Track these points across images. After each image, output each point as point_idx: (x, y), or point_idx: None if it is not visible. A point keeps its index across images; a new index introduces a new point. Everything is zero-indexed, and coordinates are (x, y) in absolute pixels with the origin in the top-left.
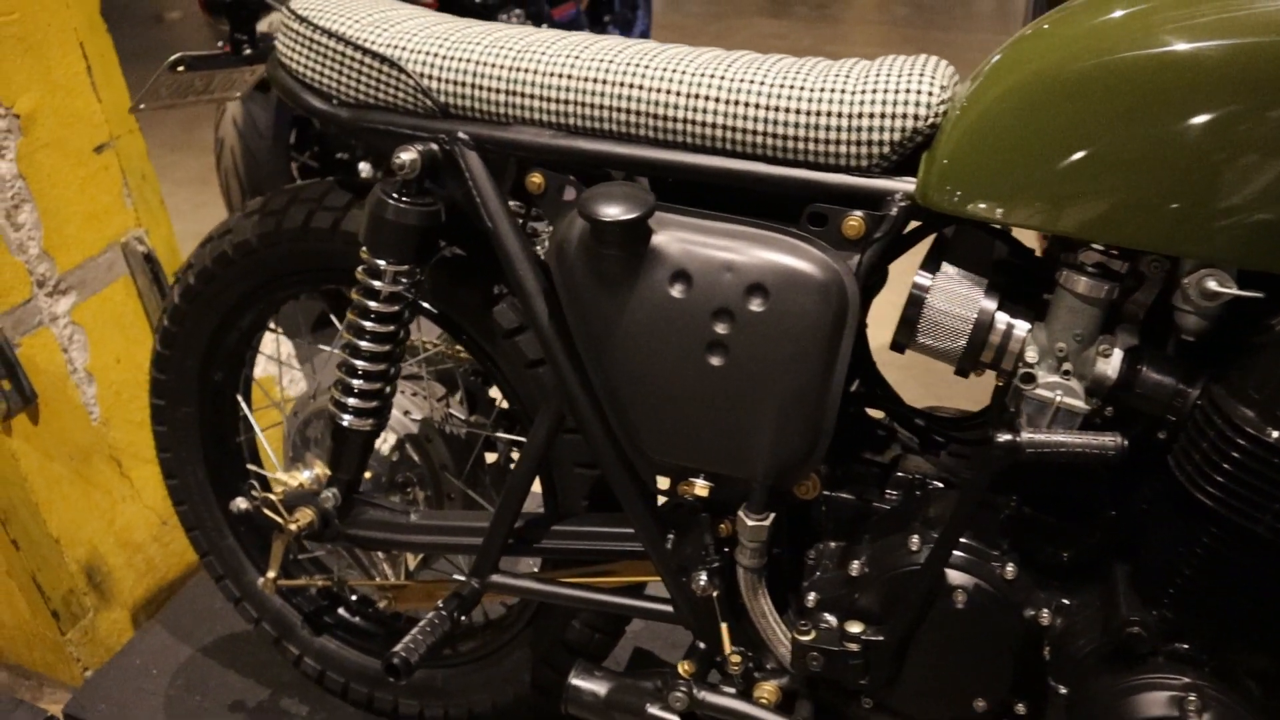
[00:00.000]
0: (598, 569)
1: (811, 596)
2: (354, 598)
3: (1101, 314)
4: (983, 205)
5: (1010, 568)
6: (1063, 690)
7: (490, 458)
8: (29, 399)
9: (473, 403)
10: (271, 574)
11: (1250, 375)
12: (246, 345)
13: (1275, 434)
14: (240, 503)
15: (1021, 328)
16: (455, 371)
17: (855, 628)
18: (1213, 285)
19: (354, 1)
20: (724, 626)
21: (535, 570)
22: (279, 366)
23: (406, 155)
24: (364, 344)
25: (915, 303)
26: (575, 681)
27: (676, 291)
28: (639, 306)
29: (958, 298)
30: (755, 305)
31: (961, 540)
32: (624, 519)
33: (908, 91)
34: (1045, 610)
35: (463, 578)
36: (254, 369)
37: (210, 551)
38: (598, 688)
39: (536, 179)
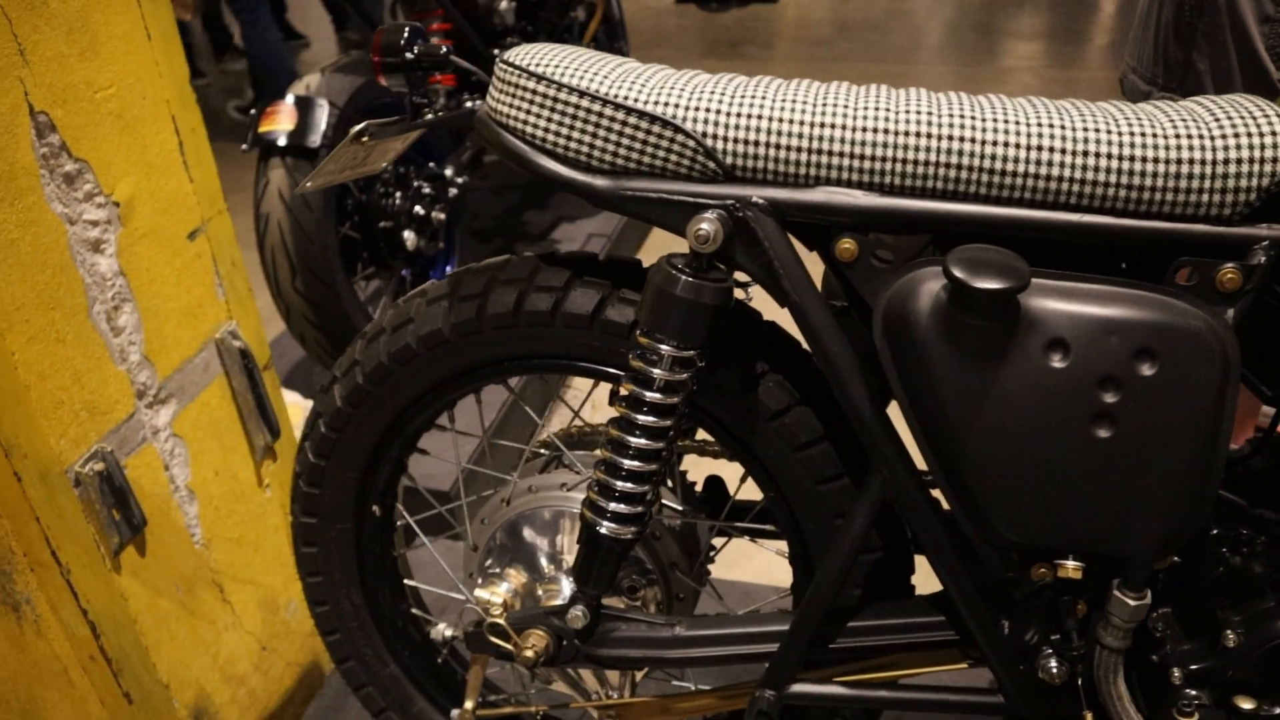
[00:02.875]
0: (879, 663)
1: (1176, 673)
2: None
3: None
4: None
5: None
6: None
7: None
8: (138, 527)
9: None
10: (469, 704)
11: None
12: (412, 447)
13: None
14: (445, 630)
15: None
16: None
17: (1247, 704)
18: None
19: (572, 52)
20: (1089, 715)
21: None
22: (459, 469)
23: (707, 225)
24: (634, 441)
25: None
26: None
27: (1056, 361)
28: (1010, 379)
29: None
30: (1145, 370)
31: None
32: (919, 606)
33: (1272, 134)
34: None
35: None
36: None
37: (369, 683)
38: None
39: (848, 245)
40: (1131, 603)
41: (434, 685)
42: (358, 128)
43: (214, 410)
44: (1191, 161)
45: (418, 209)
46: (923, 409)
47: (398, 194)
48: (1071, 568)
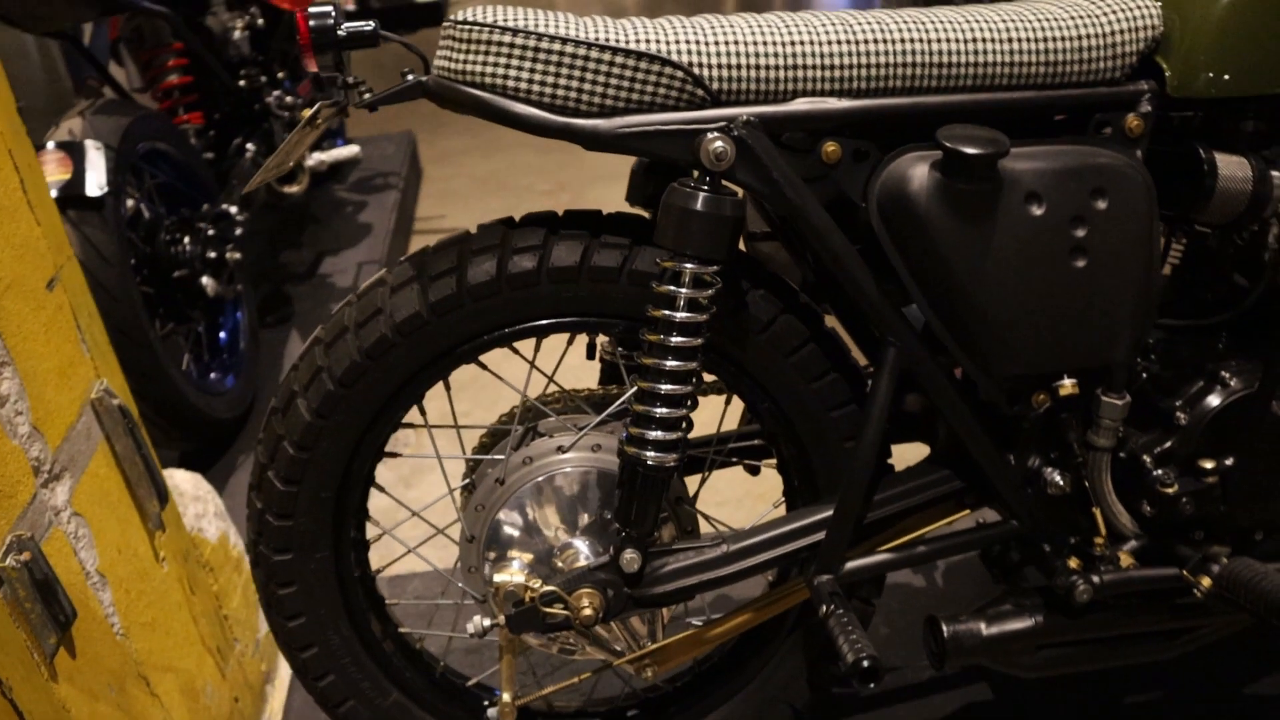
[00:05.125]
0: (903, 528)
1: (1147, 460)
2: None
3: None
4: (1232, 83)
5: None
6: None
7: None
8: (68, 623)
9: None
10: (508, 696)
11: None
12: (381, 454)
13: None
14: (483, 621)
15: (1278, 174)
16: None
17: (1208, 464)
18: None
19: (523, 9)
20: (1098, 511)
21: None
22: (439, 459)
23: (721, 144)
24: (669, 364)
25: (1210, 178)
26: (951, 630)
27: (1034, 209)
28: (1000, 231)
29: (1236, 164)
30: (1101, 205)
31: None
32: (926, 468)
33: (1142, 6)
34: None
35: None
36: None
37: (374, 719)
38: (974, 628)
39: (832, 148)
40: (1118, 403)
41: (440, 701)
42: (310, 110)
43: (104, 481)
44: (1090, 36)
45: (210, 253)
46: (925, 275)
47: (185, 239)
48: (1069, 385)
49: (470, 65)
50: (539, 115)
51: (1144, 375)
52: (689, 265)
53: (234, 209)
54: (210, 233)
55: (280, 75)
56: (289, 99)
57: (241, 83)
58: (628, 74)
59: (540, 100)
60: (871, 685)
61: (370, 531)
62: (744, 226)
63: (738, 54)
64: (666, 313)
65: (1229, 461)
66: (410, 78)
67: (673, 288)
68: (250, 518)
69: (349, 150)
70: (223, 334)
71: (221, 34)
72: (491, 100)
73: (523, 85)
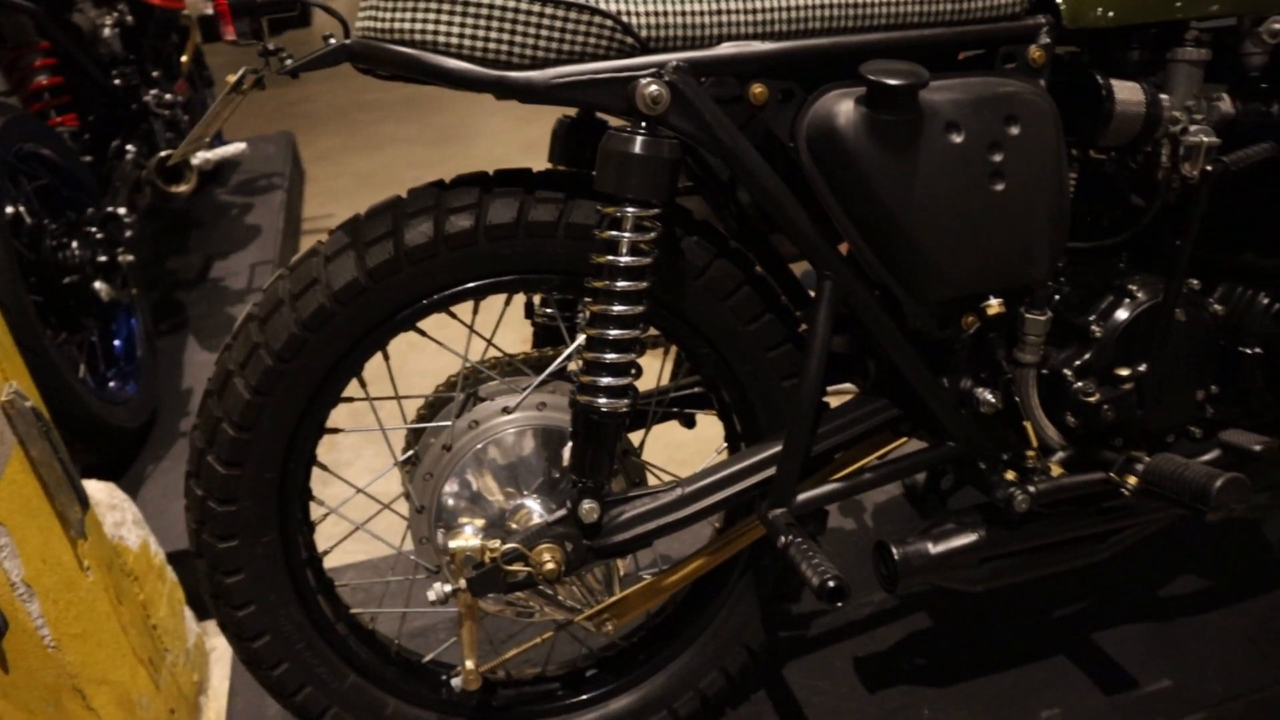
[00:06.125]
0: (846, 459)
1: (1068, 373)
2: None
3: (1203, 75)
4: (1118, 13)
5: (1196, 281)
6: (1254, 350)
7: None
8: (1, 632)
9: None
10: (471, 663)
11: None
12: (322, 430)
13: None
14: (442, 588)
15: (1168, 98)
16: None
17: (1124, 371)
18: (1277, 25)
19: None
20: (1028, 425)
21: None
22: (383, 432)
23: (655, 87)
24: (615, 309)
25: (1108, 102)
26: (901, 552)
27: (955, 138)
28: (924, 161)
29: (1129, 89)
30: (1014, 130)
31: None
32: (866, 399)
33: None
34: (1222, 305)
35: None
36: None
37: (332, 704)
38: (922, 548)
39: (759, 89)
40: (1040, 319)
41: (398, 679)
42: (236, 75)
43: (21, 487)
44: None
45: (101, 256)
46: (855, 207)
47: (73, 244)
48: (996, 304)
49: (398, 23)
50: (472, 69)
51: (1058, 297)
52: (631, 210)
53: (122, 210)
54: (99, 236)
55: (155, 74)
56: (169, 97)
57: (117, 81)
58: (558, 24)
59: (472, 54)
60: (839, 604)
61: (314, 512)
62: (680, 170)
63: (664, 1)
64: (611, 258)
65: (1142, 368)
66: (332, 41)
67: (615, 232)
68: (190, 507)
69: (235, 147)
70: (118, 341)
71: (90, 31)
72: (421, 57)
73: (454, 40)
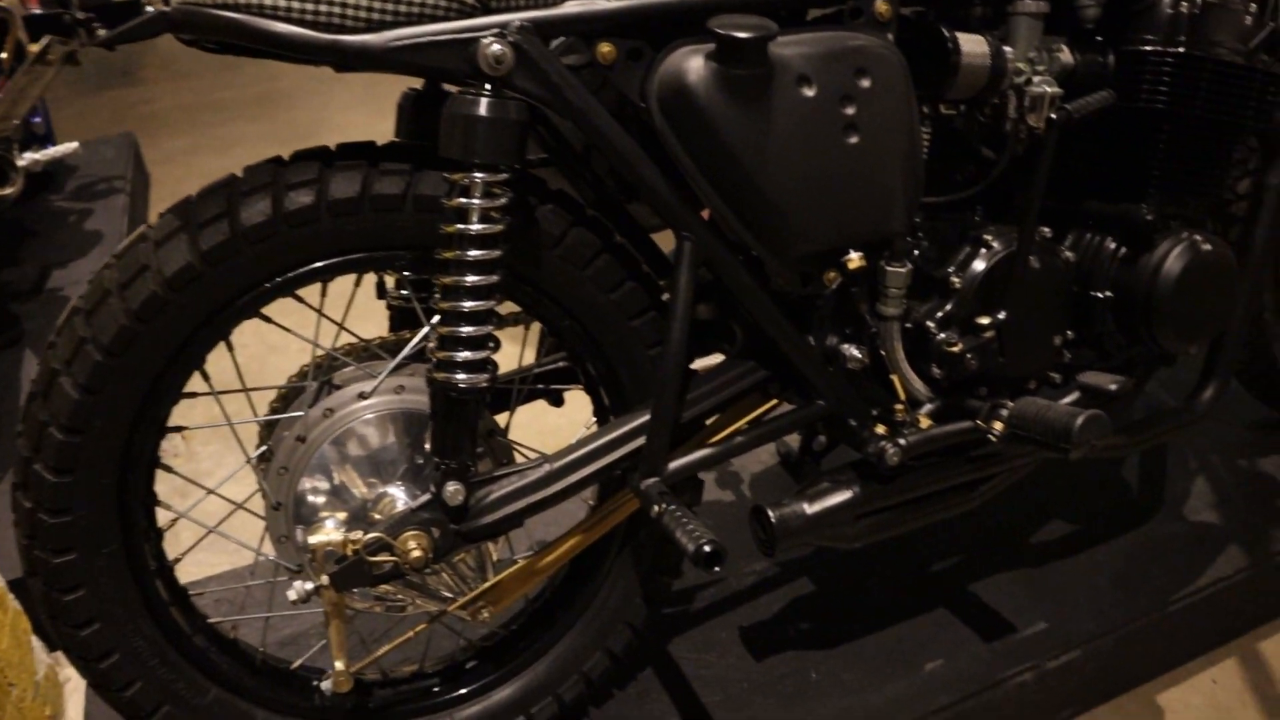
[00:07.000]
0: (717, 424)
1: (931, 325)
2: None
3: (1043, 27)
4: None
5: (1048, 230)
6: (1104, 294)
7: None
8: None
9: None
10: (341, 664)
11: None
12: (164, 429)
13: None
14: (303, 586)
15: (1011, 50)
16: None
17: (984, 320)
18: None
19: None
20: (895, 379)
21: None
22: (230, 426)
23: (498, 46)
24: (469, 280)
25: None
26: (778, 515)
27: (806, 91)
28: (776, 115)
29: (974, 41)
30: (865, 83)
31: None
32: (733, 363)
33: None
34: (1072, 251)
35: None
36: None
37: None
38: (798, 509)
39: (606, 48)
40: (901, 270)
41: (265, 689)
42: (39, 45)
43: None
44: None
45: None
46: (710, 165)
47: None
48: (856, 258)
49: None
50: (302, 34)
51: (917, 251)
52: (479, 175)
53: None
54: None
55: None
56: None
57: None
58: None
59: (303, 18)
60: (717, 569)
61: (162, 518)
62: (529, 132)
63: None
64: (461, 227)
65: (1001, 316)
66: (150, 9)
67: (464, 200)
68: (18, 521)
69: (67, 147)
70: None
71: None
72: (247, 21)
73: (283, 1)
